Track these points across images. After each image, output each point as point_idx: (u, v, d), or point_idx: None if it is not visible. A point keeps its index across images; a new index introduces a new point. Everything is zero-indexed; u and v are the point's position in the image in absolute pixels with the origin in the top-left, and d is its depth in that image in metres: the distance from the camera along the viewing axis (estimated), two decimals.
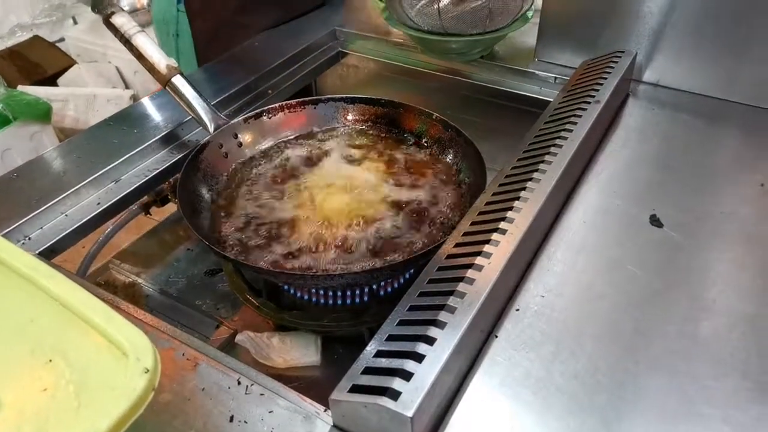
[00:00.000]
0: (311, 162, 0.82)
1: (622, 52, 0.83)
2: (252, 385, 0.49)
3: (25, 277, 0.42)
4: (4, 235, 0.66)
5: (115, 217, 0.77)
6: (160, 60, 0.78)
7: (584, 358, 0.49)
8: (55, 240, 0.68)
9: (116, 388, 0.34)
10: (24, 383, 0.36)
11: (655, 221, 0.63)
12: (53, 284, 0.41)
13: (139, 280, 0.82)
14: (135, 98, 2.29)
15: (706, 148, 0.74)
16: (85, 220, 0.71)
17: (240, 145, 0.82)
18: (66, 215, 0.71)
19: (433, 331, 0.46)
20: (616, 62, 0.81)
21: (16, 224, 0.67)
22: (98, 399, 0.34)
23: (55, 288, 0.40)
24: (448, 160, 0.80)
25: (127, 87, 2.41)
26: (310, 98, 0.87)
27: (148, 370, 0.34)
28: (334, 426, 0.46)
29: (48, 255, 0.67)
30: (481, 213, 0.59)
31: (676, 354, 0.50)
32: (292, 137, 0.86)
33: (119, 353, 0.36)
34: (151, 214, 0.83)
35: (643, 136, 0.76)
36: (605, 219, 0.64)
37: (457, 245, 0.56)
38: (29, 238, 0.68)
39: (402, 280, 0.71)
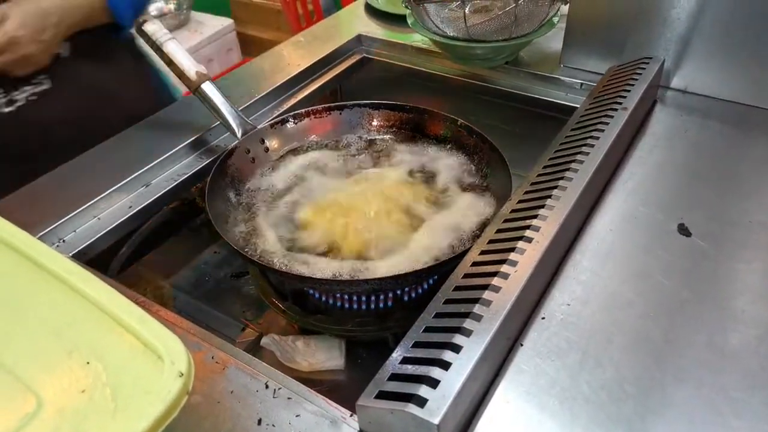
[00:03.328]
0: (338, 167, 0.83)
1: (650, 58, 0.83)
2: (279, 388, 0.50)
3: (62, 280, 0.43)
4: (39, 238, 0.68)
5: (145, 220, 0.78)
6: (190, 67, 0.80)
7: (611, 367, 0.49)
8: (88, 243, 0.70)
9: (151, 392, 0.35)
10: (63, 384, 0.37)
11: (683, 230, 0.62)
12: (90, 288, 0.42)
13: (167, 282, 0.84)
14: None
15: (735, 156, 0.73)
16: (116, 223, 0.72)
17: (267, 150, 0.84)
18: (98, 218, 0.72)
19: (459, 339, 0.46)
20: (644, 68, 0.80)
21: (51, 227, 0.69)
22: (134, 401, 0.35)
23: (91, 292, 0.41)
24: (472, 166, 0.80)
25: None
26: (335, 104, 0.88)
27: (182, 374, 0.35)
28: (361, 431, 0.46)
29: (81, 257, 0.69)
30: (506, 220, 0.59)
31: (705, 365, 0.49)
32: (317, 142, 0.87)
33: (154, 357, 0.37)
34: (179, 217, 0.84)
35: (671, 143, 0.75)
36: (632, 227, 0.63)
37: (483, 253, 0.56)
38: (63, 241, 0.69)
39: (426, 286, 0.72)
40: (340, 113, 0.88)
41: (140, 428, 0.33)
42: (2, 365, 0.38)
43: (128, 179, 0.76)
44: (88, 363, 0.37)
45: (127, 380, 0.36)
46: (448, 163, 0.82)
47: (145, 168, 0.78)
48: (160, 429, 0.34)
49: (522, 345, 0.51)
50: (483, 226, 0.71)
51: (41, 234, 0.68)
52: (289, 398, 0.49)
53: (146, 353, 0.37)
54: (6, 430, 0.35)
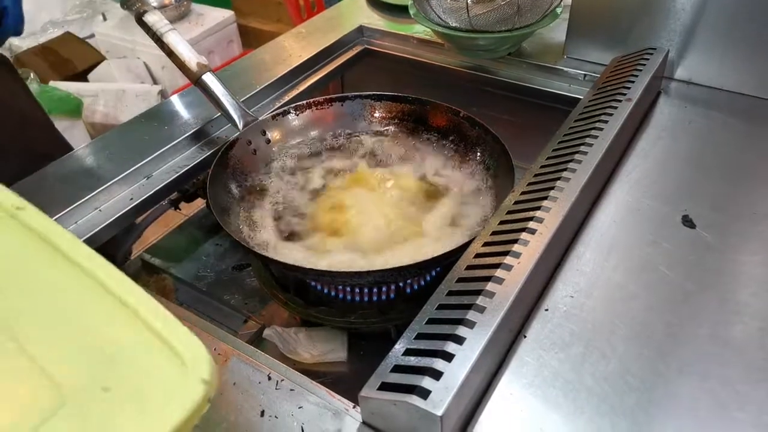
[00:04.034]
0: (340, 159, 0.82)
1: (654, 49, 0.82)
2: (282, 380, 0.50)
3: (86, 272, 0.41)
4: None
5: (146, 212, 0.78)
6: (191, 58, 0.79)
7: (615, 359, 0.49)
8: (89, 234, 0.69)
9: (175, 396, 0.34)
10: (86, 380, 0.35)
11: (687, 221, 0.62)
12: (113, 282, 0.40)
13: (169, 274, 0.83)
14: (163, 93, 2.32)
15: (739, 147, 0.73)
16: (118, 215, 0.72)
17: (268, 141, 0.83)
18: (100, 210, 0.72)
19: (462, 331, 0.46)
20: (648, 59, 0.79)
21: (53, 218, 0.68)
22: (157, 405, 0.34)
23: (115, 287, 0.39)
24: (475, 158, 0.80)
25: (155, 82, 2.44)
26: (337, 95, 0.88)
27: (205, 381, 0.34)
28: (363, 423, 0.46)
29: None
30: (509, 212, 0.59)
31: (708, 357, 0.49)
32: (319, 134, 0.86)
33: (178, 361, 0.36)
34: (180, 209, 0.84)
35: (675, 134, 0.75)
36: (636, 219, 0.63)
37: (486, 244, 0.55)
38: None
39: (429, 278, 0.71)
40: (342, 105, 0.87)
41: None
42: (27, 355, 0.37)
43: (129, 171, 0.76)
44: (111, 360, 0.36)
45: (150, 382, 0.35)
46: (450, 155, 0.81)
47: (146, 160, 0.77)
48: None
49: (525, 337, 0.51)
50: (486, 218, 0.71)
51: None
52: (291, 390, 0.49)
53: (169, 356, 0.36)
54: (28, 424, 0.34)
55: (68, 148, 1.04)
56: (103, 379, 0.35)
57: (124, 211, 0.73)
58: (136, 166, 0.76)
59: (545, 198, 0.58)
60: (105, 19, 2.61)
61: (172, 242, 0.89)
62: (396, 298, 0.70)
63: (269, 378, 0.50)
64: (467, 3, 0.89)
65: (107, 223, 0.71)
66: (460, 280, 0.52)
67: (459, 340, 0.45)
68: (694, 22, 0.80)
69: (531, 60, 0.94)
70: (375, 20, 1.10)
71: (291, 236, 0.70)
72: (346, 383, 0.65)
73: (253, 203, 0.76)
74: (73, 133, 2.02)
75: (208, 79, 0.79)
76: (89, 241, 0.69)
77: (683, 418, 0.45)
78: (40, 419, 0.34)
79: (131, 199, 0.74)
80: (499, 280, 0.50)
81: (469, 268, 0.53)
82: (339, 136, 0.86)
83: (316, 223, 0.72)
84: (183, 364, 0.35)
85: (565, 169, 0.62)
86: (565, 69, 0.91)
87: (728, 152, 0.72)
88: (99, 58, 2.46)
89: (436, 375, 0.43)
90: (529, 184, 0.62)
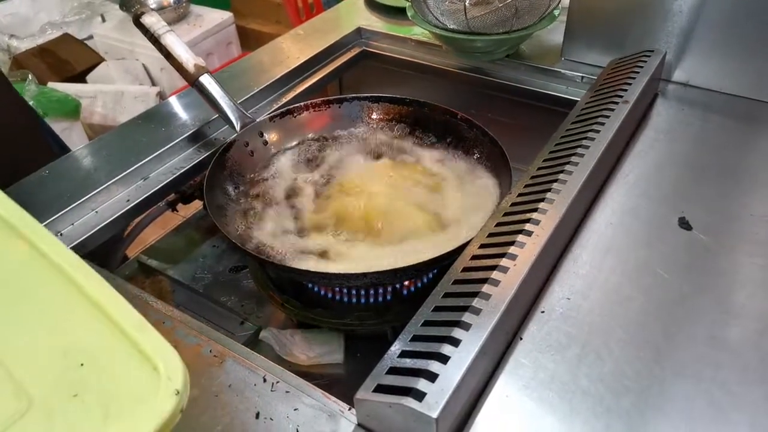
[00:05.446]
0: (338, 160, 0.82)
1: (651, 51, 0.82)
2: (277, 382, 0.50)
3: (64, 274, 0.41)
4: None
5: (143, 214, 0.78)
6: (188, 59, 0.79)
7: (610, 361, 0.49)
8: (85, 236, 0.69)
9: (146, 405, 0.33)
10: (55, 384, 0.35)
11: (684, 223, 0.62)
12: (91, 286, 0.39)
13: (166, 276, 0.83)
14: (161, 95, 2.32)
15: (737, 150, 0.73)
16: (114, 216, 0.72)
17: (265, 143, 0.83)
18: (96, 212, 0.72)
19: (458, 332, 0.46)
20: (645, 61, 0.79)
21: (49, 220, 0.69)
22: (127, 413, 0.33)
23: (92, 290, 0.39)
24: (473, 159, 0.80)
25: (153, 84, 2.44)
26: (334, 97, 0.88)
27: (178, 392, 0.34)
28: (359, 425, 0.46)
29: (79, 250, 0.68)
30: (506, 214, 0.59)
31: (704, 359, 0.49)
32: (317, 136, 0.86)
33: (150, 368, 0.35)
34: (177, 211, 0.84)
35: (672, 136, 0.75)
36: (633, 221, 0.63)
37: (482, 246, 0.55)
38: (61, 234, 0.69)
39: (425, 280, 0.71)
40: (340, 106, 0.87)
41: None
42: None
43: (126, 172, 0.75)
44: (82, 365, 0.36)
45: (121, 389, 0.35)
46: (447, 157, 0.81)
47: (144, 161, 0.77)
48: None
49: (521, 339, 0.51)
50: (483, 219, 0.71)
51: None
52: (287, 392, 0.49)
53: (142, 363, 0.35)
54: None
55: (52, 150, 1.02)
56: (72, 384, 0.35)
57: (120, 212, 0.73)
58: (134, 167, 0.76)
59: (542, 200, 0.58)
60: (104, 20, 2.61)
61: (170, 244, 0.89)
62: (392, 299, 0.70)
63: (265, 380, 0.50)
64: (465, 5, 0.89)
65: (103, 224, 0.71)
66: (457, 282, 0.52)
67: (455, 341, 0.45)
68: (691, 24, 0.80)
69: (528, 62, 0.94)
70: (373, 22, 1.10)
71: (288, 238, 0.70)
72: (342, 385, 0.65)
73: (250, 205, 0.75)
74: (72, 135, 2.02)
75: (206, 80, 0.79)
76: (85, 243, 0.69)
77: (679, 420, 0.45)
78: (3, 425, 0.33)
79: (128, 200, 0.74)
80: (496, 282, 0.50)
81: (466, 270, 0.53)
82: (337, 138, 0.86)
83: (313, 225, 0.71)
84: (156, 374, 0.35)
85: (561, 171, 0.62)
86: (563, 71, 0.91)
87: (725, 154, 0.72)
88: (97, 60, 2.45)
89: (432, 377, 0.43)
90: (526, 186, 0.62)
